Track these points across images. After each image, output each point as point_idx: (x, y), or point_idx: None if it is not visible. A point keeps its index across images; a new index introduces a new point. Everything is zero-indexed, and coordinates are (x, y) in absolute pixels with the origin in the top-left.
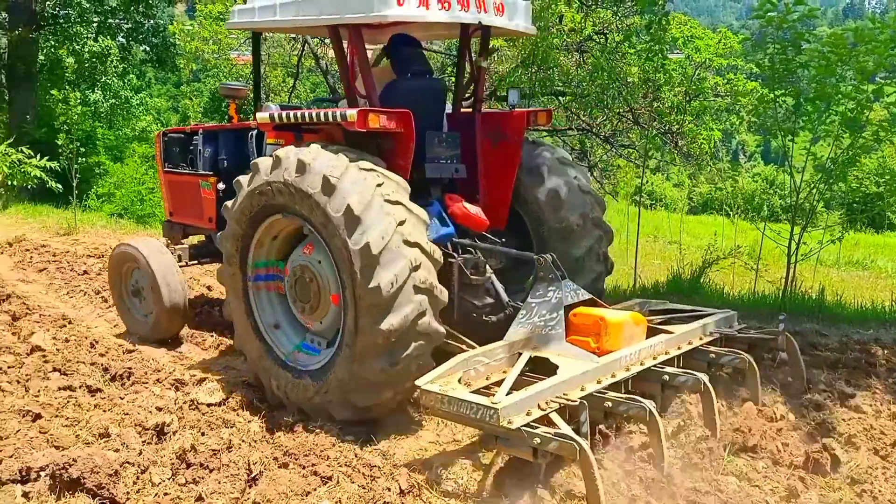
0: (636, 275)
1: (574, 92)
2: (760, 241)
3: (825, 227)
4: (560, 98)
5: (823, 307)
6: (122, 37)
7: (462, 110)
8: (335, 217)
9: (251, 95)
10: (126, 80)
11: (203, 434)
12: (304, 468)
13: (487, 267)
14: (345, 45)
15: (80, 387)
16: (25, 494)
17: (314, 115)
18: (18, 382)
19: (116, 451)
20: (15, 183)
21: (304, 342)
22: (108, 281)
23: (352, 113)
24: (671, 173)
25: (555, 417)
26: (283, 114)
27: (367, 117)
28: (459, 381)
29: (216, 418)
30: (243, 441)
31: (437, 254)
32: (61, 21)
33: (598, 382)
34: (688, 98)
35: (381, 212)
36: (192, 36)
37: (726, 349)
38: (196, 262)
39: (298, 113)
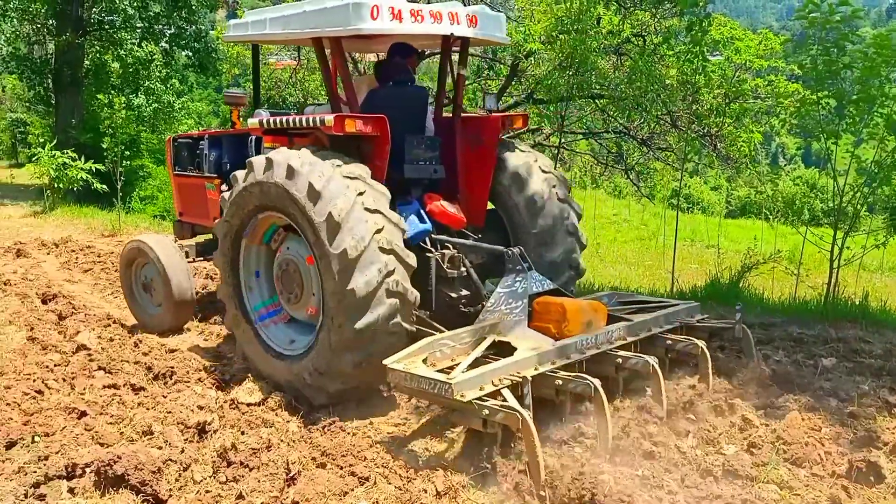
0: (674, 279)
1: (611, 95)
2: (802, 245)
3: (868, 231)
4: (597, 101)
5: (867, 313)
6: (166, 42)
7: (444, 115)
8: (318, 221)
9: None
10: (169, 85)
11: (243, 433)
12: (341, 468)
13: (466, 261)
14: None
15: (124, 385)
16: (71, 490)
17: (298, 120)
18: (65, 380)
19: (159, 448)
20: (61, 185)
21: (282, 321)
22: (119, 275)
23: (329, 118)
24: (708, 176)
25: (505, 392)
26: (271, 119)
27: (344, 122)
28: (424, 361)
29: (255, 418)
30: (282, 441)
31: (411, 259)
32: (107, 27)
33: (553, 363)
34: (727, 100)
35: (361, 219)
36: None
37: (681, 336)
38: (202, 258)
39: (284, 118)
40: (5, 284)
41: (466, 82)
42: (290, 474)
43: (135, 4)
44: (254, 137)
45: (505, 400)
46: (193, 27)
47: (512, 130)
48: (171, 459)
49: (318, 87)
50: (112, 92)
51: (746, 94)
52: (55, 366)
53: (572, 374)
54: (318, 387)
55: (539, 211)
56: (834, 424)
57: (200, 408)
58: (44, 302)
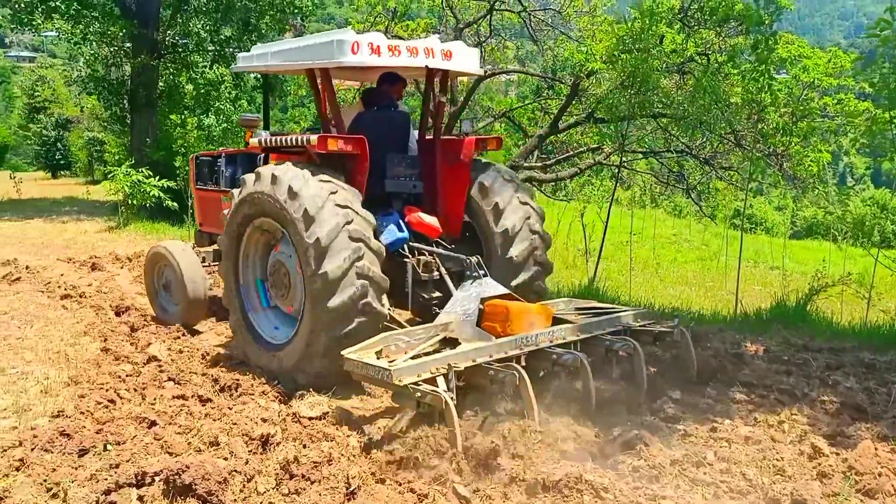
0: (737, 300)
1: (674, 113)
2: (873, 268)
3: None
4: (658, 120)
5: None
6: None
7: (427, 137)
8: (296, 217)
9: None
10: (237, 105)
11: (305, 446)
12: (400, 485)
13: (443, 267)
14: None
15: (192, 396)
16: (140, 498)
17: (289, 139)
18: (136, 390)
19: (225, 459)
20: (135, 202)
21: (275, 318)
22: (143, 276)
23: (314, 138)
24: (773, 196)
25: (440, 380)
26: (268, 139)
27: (327, 141)
28: (378, 353)
29: (317, 431)
30: (342, 455)
31: (380, 248)
32: (180, 50)
33: (490, 356)
34: (794, 119)
35: (332, 213)
36: None
37: (619, 338)
38: (218, 263)
39: (277, 138)
40: (81, 297)
41: (528, 102)
42: (350, 489)
43: (207, 28)
44: (263, 156)
45: (437, 385)
46: None
47: (486, 151)
48: (236, 470)
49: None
50: (185, 112)
51: (814, 113)
52: (127, 376)
53: (501, 365)
54: (300, 368)
55: (502, 213)
56: None
57: (264, 420)
58: (117, 314)
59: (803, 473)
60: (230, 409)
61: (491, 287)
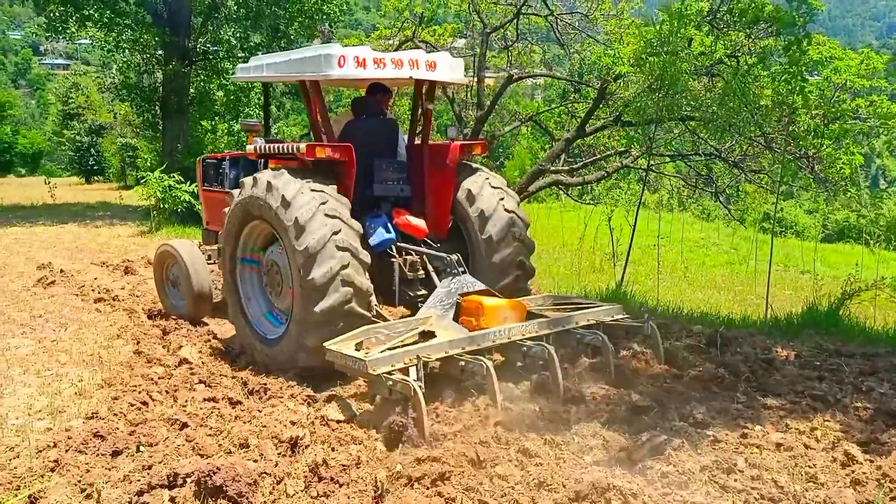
0: (768, 305)
1: (702, 116)
2: None
3: None
4: (687, 123)
5: None
6: None
7: (415, 143)
8: (288, 225)
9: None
10: (282, 111)
11: (333, 449)
12: (427, 488)
13: (430, 265)
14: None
15: (222, 398)
16: (172, 499)
17: (281, 147)
18: (167, 392)
19: (255, 461)
20: (167, 206)
21: (270, 313)
22: (153, 273)
23: (303, 146)
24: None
25: (411, 370)
26: (263, 146)
27: (315, 149)
28: (358, 345)
29: (345, 434)
30: (370, 458)
31: (366, 256)
32: (210, 57)
33: (463, 349)
34: (826, 121)
35: (321, 223)
36: None
37: (590, 331)
38: None
39: (272, 146)
40: (114, 300)
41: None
42: (378, 492)
43: (237, 35)
44: (264, 160)
45: (408, 374)
46: None
47: (472, 156)
48: (265, 472)
49: (406, 112)
50: (215, 118)
51: (846, 115)
52: (159, 378)
53: (471, 356)
54: (290, 361)
55: (488, 220)
56: None
57: (293, 423)
58: (149, 317)
59: (836, 481)
60: (260, 411)
61: (468, 284)
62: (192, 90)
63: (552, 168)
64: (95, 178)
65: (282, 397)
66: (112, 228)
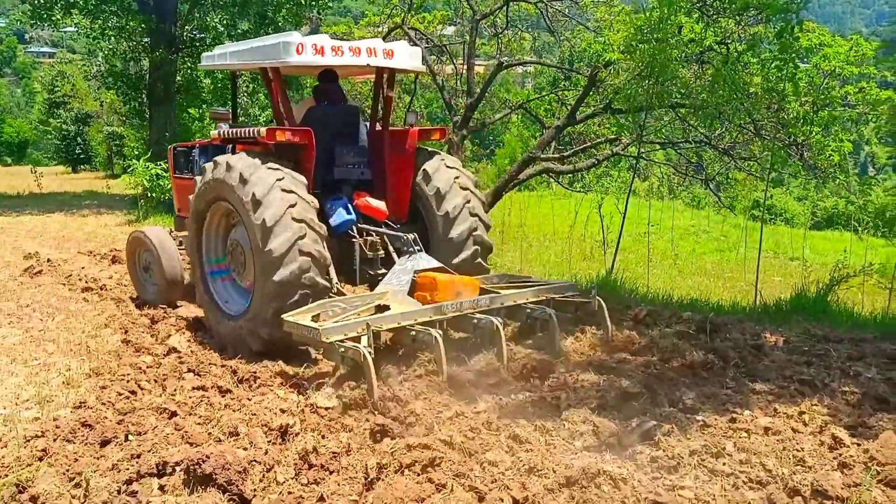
0: (757, 291)
1: (692, 104)
2: None
3: None
4: (677, 110)
5: None
6: None
7: (377, 129)
8: (246, 201)
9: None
10: (254, 99)
11: (323, 437)
12: (418, 475)
13: (391, 246)
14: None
15: (212, 387)
16: (161, 488)
17: (243, 132)
18: (156, 381)
19: (245, 449)
20: (154, 195)
21: (235, 291)
22: (126, 259)
23: (263, 130)
24: (793, 187)
25: (363, 339)
26: (227, 131)
27: (275, 133)
28: (315, 317)
29: (335, 422)
30: (361, 445)
31: (322, 229)
32: (197, 44)
33: (415, 321)
34: (815, 108)
35: (277, 197)
36: None
37: (538, 306)
38: None
39: (234, 130)
40: (101, 289)
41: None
42: (369, 478)
43: (224, 22)
44: (232, 146)
45: (359, 342)
46: None
47: (430, 141)
48: (255, 460)
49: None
50: (203, 106)
51: (835, 102)
52: (148, 367)
53: (422, 327)
54: (252, 335)
55: (444, 198)
56: None
57: (283, 411)
58: (138, 306)
59: (824, 464)
60: (249, 399)
61: (424, 261)
62: (178, 78)
63: (542, 156)
64: (82, 166)
65: (271, 385)
66: (99, 217)
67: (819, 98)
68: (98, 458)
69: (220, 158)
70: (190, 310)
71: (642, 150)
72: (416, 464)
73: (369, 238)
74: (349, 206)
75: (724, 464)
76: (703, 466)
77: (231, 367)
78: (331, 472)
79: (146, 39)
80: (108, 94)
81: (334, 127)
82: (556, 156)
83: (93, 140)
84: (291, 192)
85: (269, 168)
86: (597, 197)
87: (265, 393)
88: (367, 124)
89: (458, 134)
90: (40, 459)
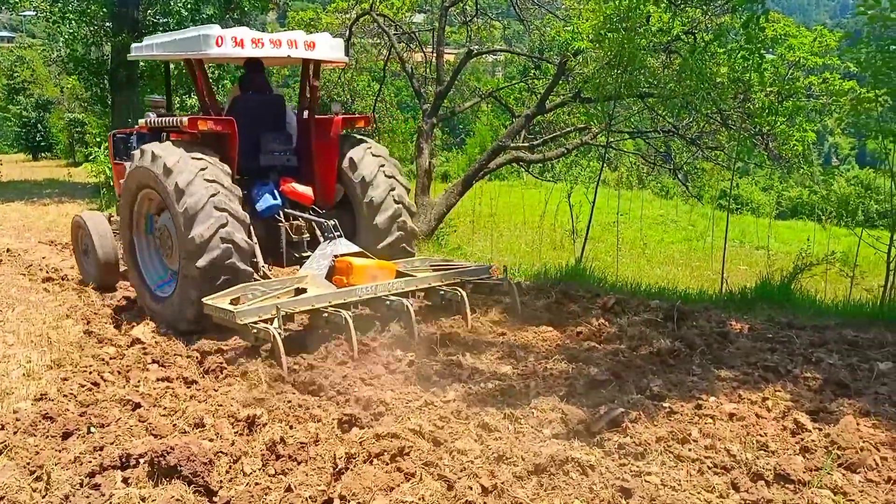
0: (723, 280)
1: (660, 93)
2: (857, 247)
3: None
4: (645, 100)
5: None
6: None
7: (304, 117)
8: (170, 190)
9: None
10: (221, 86)
11: (291, 427)
12: (387, 464)
13: (318, 230)
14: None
15: (177, 378)
16: (125, 480)
17: (168, 120)
18: (119, 373)
19: (211, 440)
20: None
21: (163, 273)
22: (71, 243)
23: (185, 120)
24: (759, 177)
25: (276, 320)
26: (154, 120)
27: (197, 122)
28: (234, 300)
29: (303, 412)
30: (329, 436)
31: (245, 217)
32: (161, 29)
33: (329, 303)
34: (780, 98)
35: (200, 186)
36: None
37: (451, 288)
38: None
39: (159, 119)
40: (63, 279)
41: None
42: (337, 468)
43: (188, 6)
44: (166, 133)
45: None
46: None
47: (355, 129)
48: (221, 452)
49: (365, 87)
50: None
51: (800, 93)
52: (111, 359)
53: (334, 309)
54: (179, 316)
55: (369, 185)
56: (890, 430)
57: (250, 402)
58: (100, 297)
59: (786, 449)
60: (216, 390)
61: (343, 246)
62: (141, 63)
63: (512, 145)
64: (43, 154)
65: (238, 376)
66: (60, 206)
67: (784, 88)
68: (60, 451)
69: (146, 147)
70: None
71: (611, 139)
72: (385, 453)
73: (295, 222)
74: (275, 191)
75: (689, 450)
76: (669, 452)
77: (197, 357)
78: (298, 463)
79: (108, 23)
80: (69, 80)
81: (259, 115)
82: (526, 145)
83: (54, 127)
84: (214, 181)
85: (193, 158)
86: (566, 186)
87: (231, 383)
88: (294, 113)
89: (427, 122)
90: (0, 453)
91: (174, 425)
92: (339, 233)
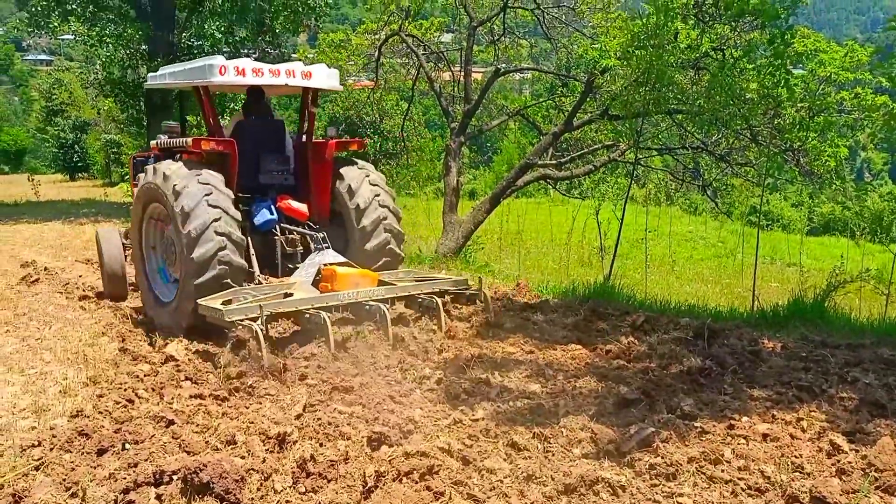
0: (754, 297)
1: (689, 110)
2: (892, 264)
3: None
4: (674, 116)
5: None
6: None
7: (304, 139)
8: (177, 212)
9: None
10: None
11: (321, 445)
12: (416, 483)
13: (312, 243)
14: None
15: (209, 395)
16: (159, 497)
17: (176, 142)
18: (154, 390)
19: (242, 458)
20: None
21: (166, 280)
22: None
23: (189, 141)
24: (789, 193)
25: (260, 319)
26: (163, 142)
27: (200, 143)
28: (226, 302)
29: (333, 430)
30: (359, 454)
31: (242, 241)
32: (196, 51)
33: (311, 306)
34: (811, 114)
35: (204, 211)
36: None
37: (428, 297)
38: None
39: (168, 141)
40: (99, 298)
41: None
42: (367, 486)
43: (222, 30)
44: (180, 154)
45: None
46: (277, 50)
47: (348, 151)
48: (253, 469)
49: (393, 107)
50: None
51: (831, 108)
52: (145, 376)
53: (315, 311)
54: (176, 322)
55: (363, 213)
56: None
57: (280, 419)
58: (135, 315)
59: (822, 471)
60: (247, 408)
61: (329, 256)
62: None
63: (540, 162)
64: (80, 174)
65: (269, 394)
66: (97, 226)
67: (815, 104)
68: (95, 468)
69: (158, 166)
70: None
71: (639, 156)
72: (415, 472)
73: (290, 236)
74: (272, 207)
75: (722, 471)
76: (701, 473)
77: (229, 374)
78: (329, 481)
79: (144, 47)
80: (105, 102)
81: (260, 138)
82: (554, 162)
83: (90, 148)
84: (217, 207)
85: (201, 182)
86: (594, 203)
87: (262, 402)
88: (292, 137)
89: (455, 141)
90: (37, 469)
91: (206, 442)
92: (327, 244)
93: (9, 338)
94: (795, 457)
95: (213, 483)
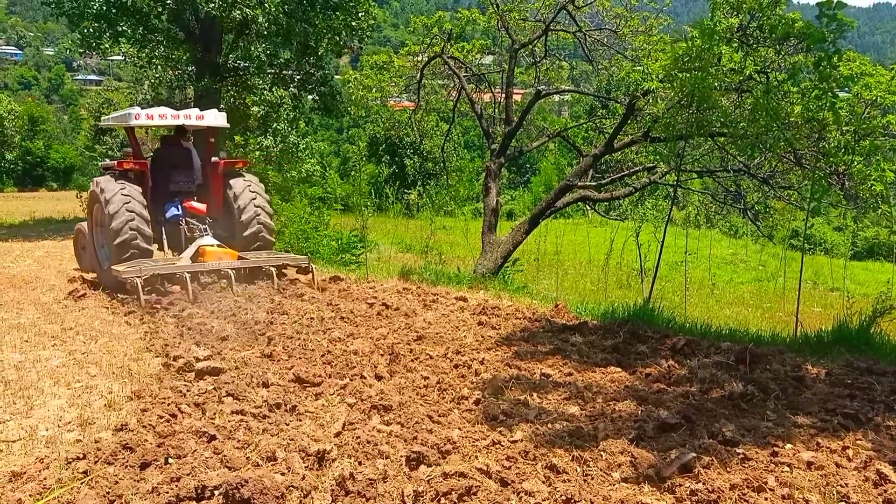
0: (797, 321)
1: (732, 132)
2: None
3: None
4: (716, 139)
5: None
6: (294, 87)
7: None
8: (105, 213)
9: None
10: (295, 127)
11: (360, 463)
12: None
13: (198, 231)
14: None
15: (250, 411)
16: None
17: (108, 162)
18: (196, 405)
19: (282, 474)
20: None
21: (106, 255)
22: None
23: (114, 162)
24: (831, 216)
25: (147, 277)
26: (105, 164)
27: (122, 164)
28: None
29: (372, 448)
30: (398, 473)
31: (150, 235)
32: (241, 73)
33: (183, 270)
34: (856, 137)
35: (122, 213)
36: (360, 85)
37: (268, 267)
38: None
39: (107, 163)
40: (144, 314)
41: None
42: None
43: (267, 52)
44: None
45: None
46: (320, 72)
47: (235, 168)
48: (293, 486)
49: (433, 128)
50: (248, 134)
51: (877, 131)
52: (188, 391)
53: (183, 272)
54: (109, 279)
55: (243, 211)
56: None
57: (320, 437)
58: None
59: (868, 500)
60: (287, 424)
61: (207, 240)
62: (223, 106)
63: (579, 184)
64: None
65: (309, 411)
66: None
67: (861, 127)
68: (138, 481)
69: (98, 179)
70: None
71: (680, 178)
72: (453, 492)
73: (190, 225)
74: (179, 206)
75: (765, 498)
76: (744, 501)
77: (270, 391)
78: (367, 499)
79: (191, 68)
80: None
81: (173, 159)
82: (594, 184)
83: None
84: (133, 211)
85: (123, 193)
86: (633, 225)
87: (302, 419)
88: (199, 159)
89: (495, 162)
90: (81, 481)
91: (247, 458)
92: (207, 232)
93: (56, 351)
94: (841, 486)
95: (253, 499)
